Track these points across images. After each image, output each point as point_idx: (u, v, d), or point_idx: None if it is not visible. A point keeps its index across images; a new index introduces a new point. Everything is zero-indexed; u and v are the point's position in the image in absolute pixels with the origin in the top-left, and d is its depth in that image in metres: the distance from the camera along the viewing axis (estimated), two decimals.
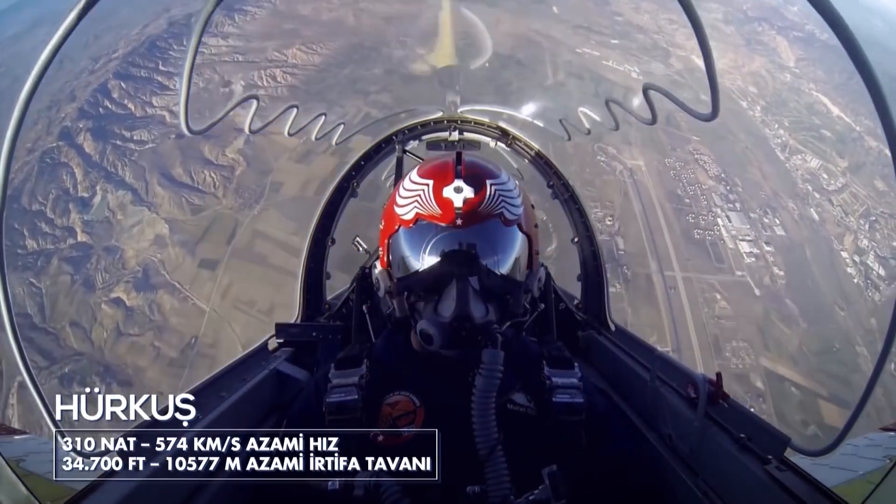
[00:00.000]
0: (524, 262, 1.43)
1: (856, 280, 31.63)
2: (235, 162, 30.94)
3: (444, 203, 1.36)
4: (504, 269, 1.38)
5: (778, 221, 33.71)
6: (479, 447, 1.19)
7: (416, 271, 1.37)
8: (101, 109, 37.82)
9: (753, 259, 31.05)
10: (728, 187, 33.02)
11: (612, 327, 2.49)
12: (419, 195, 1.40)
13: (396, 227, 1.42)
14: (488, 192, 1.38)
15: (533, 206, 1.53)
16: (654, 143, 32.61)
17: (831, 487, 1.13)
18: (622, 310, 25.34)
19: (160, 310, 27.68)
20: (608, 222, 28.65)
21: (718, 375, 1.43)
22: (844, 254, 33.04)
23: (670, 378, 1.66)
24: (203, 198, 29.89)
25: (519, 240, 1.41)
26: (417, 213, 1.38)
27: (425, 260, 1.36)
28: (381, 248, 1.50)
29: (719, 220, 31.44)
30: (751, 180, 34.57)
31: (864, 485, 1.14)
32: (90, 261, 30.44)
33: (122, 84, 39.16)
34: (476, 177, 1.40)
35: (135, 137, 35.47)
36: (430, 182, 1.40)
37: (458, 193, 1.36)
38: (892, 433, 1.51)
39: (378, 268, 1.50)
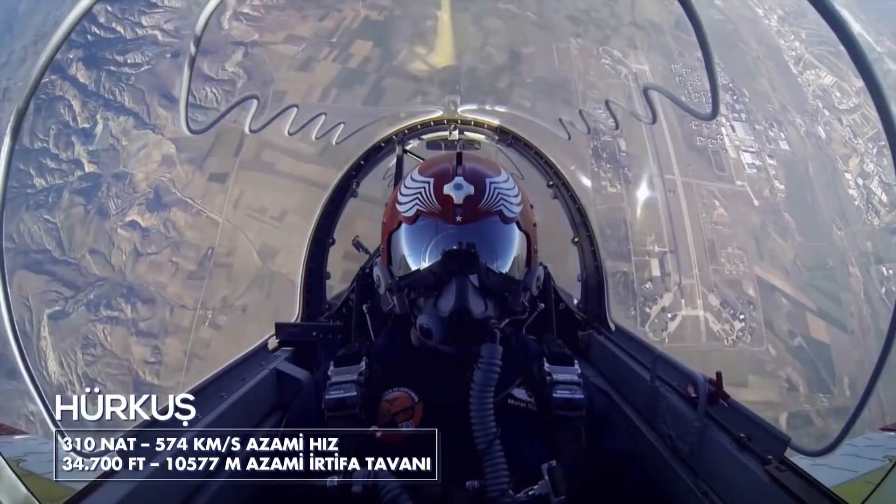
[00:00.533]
0: (523, 260, 1.46)
1: (857, 203, 31.61)
2: (236, 75, 30.41)
3: (445, 200, 1.40)
4: (503, 267, 1.41)
5: (783, 136, 33.23)
6: (477, 441, 1.20)
7: (417, 269, 1.41)
8: (89, 37, 36.46)
9: (755, 171, 31.10)
10: (735, 97, 32.20)
11: (612, 327, 2.51)
12: (420, 192, 1.43)
13: (398, 224, 1.45)
14: (487, 190, 1.42)
15: (532, 206, 1.57)
16: (662, 47, 31.54)
17: (831, 487, 1.14)
18: (621, 209, 26.04)
19: (175, 226, 28.68)
20: (611, 122, 28.49)
21: (718, 375, 1.45)
22: (848, 175, 32.75)
23: (670, 378, 1.69)
24: (206, 114, 29.55)
25: (517, 238, 1.44)
26: (418, 210, 1.42)
27: (426, 258, 1.40)
28: (382, 245, 1.54)
29: (723, 130, 31.07)
30: (759, 91, 33.68)
31: (864, 485, 1.15)
32: (101, 189, 30.99)
33: (108, 7, 37.45)
34: (475, 175, 1.44)
35: (128, 61, 34.61)
36: (431, 180, 1.44)
37: (458, 190, 1.40)
38: (892, 433, 1.53)
39: (379, 265, 1.53)
